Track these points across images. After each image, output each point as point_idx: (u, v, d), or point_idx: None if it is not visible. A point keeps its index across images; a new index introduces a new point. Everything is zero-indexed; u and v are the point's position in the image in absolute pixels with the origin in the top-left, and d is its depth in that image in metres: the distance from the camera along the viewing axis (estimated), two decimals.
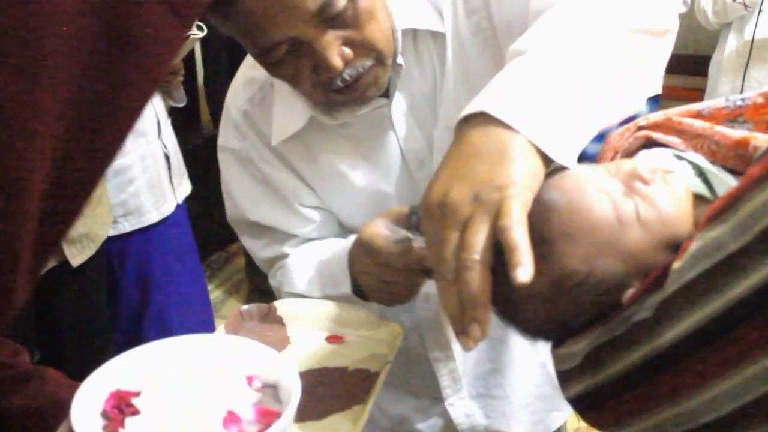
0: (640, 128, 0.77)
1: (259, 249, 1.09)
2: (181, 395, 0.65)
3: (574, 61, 0.69)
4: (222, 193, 1.10)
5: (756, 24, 2.68)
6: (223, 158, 1.07)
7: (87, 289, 2.04)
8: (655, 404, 0.62)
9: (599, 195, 0.65)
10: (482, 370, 1.11)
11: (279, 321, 0.92)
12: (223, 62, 2.86)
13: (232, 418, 0.63)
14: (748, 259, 0.55)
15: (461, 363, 1.09)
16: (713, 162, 0.72)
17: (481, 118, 0.65)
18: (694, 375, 0.59)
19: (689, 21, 3.03)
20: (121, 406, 0.64)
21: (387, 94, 0.96)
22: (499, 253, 0.61)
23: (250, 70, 1.02)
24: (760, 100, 0.74)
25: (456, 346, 1.07)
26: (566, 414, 1.20)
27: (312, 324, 0.92)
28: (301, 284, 1.01)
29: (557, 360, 0.70)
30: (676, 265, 0.59)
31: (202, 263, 2.79)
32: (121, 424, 0.61)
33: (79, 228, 1.88)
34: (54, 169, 0.37)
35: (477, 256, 0.60)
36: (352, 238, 0.97)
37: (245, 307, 0.93)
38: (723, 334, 0.57)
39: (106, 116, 0.39)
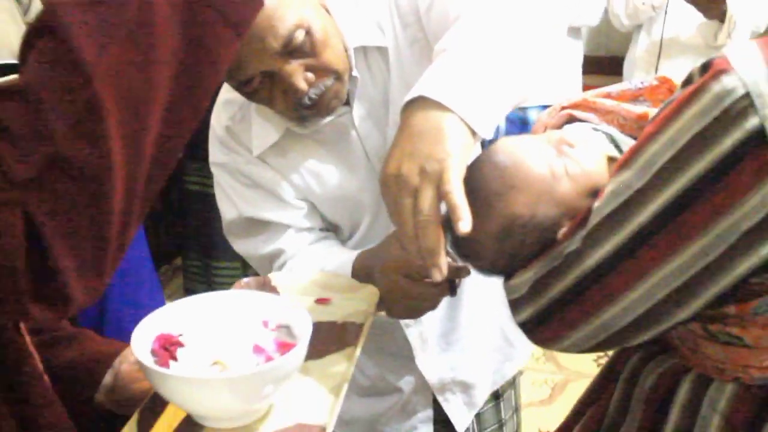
0: (563, 108, 0.96)
1: (258, 246, 1.21)
2: (214, 335, 0.80)
3: (487, 53, 0.85)
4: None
5: (663, 25, 2.95)
6: (215, 172, 1.23)
7: None
8: (586, 315, 0.80)
9: (537, 156, 0.84)
10: (444, 329, 1.28)
11: (274, 290, 1.07)
12: None
13: (258, 349, 0.78)
14: (649, 192, 0.74)
15: (427, 326, 1.25)
16: (622, 132, 0.91)
17: (420, 102, 0.82)
18: (612, 288, 0.78)
19: (601, 26, 3.30)
20: (167, 346, 0.78)
21: (348, 102, 1.13)
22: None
23: (228, 93, 1.17)
24: (655, 82, 0.93)
25: None
26: (519, 364, 1.39)
27: (302, 291, 1.07)
28: None
29: (509, 291, 0.87)
30: (596, 204, 0.78)
31: None
32: (172, 356, 0.76)
33: None
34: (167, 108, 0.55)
35: (429, 217, 0.77)
36: (353, 253, 1.13)
37: (245, 279, 1.08)
38: (631, 253, 0.76)
39: (194, 92, 0.57)
